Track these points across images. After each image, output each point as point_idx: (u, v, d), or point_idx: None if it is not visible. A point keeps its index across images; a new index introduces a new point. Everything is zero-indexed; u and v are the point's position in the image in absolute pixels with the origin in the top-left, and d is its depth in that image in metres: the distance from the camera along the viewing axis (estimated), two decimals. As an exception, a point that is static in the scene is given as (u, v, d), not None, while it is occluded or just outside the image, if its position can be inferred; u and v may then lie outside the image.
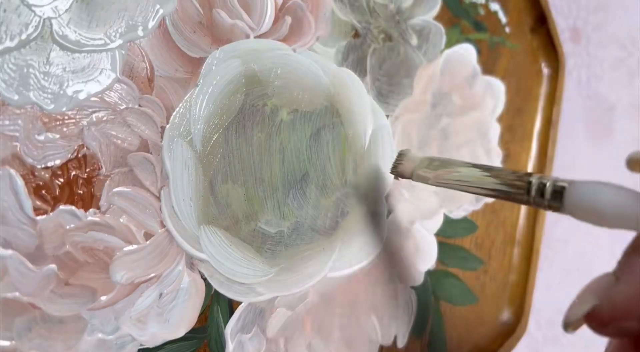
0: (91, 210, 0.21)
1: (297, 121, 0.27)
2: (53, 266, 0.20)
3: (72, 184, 0.21)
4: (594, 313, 0.18)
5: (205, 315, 0.24)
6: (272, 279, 0.26)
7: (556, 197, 0.20)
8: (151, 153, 0.23)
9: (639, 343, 0.19)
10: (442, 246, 0.34)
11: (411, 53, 0.32)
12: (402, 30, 0.32)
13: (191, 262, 0.24)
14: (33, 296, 0.20)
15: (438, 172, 0.26)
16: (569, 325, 0.19)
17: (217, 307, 0.25)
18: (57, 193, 0.20)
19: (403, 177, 0.27)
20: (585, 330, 0.19)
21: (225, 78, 0.24)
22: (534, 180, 0.21)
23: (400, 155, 0.28)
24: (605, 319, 0.18)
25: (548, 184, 0.20)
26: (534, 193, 0.21)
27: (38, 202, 0.20)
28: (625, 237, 0.19)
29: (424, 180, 0.26)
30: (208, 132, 0.24)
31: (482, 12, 0.37)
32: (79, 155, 0.21)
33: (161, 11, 0.23)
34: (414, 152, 0.28)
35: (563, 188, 0.20)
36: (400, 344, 0.31)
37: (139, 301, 0.22)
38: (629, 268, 0.18)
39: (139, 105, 0.22)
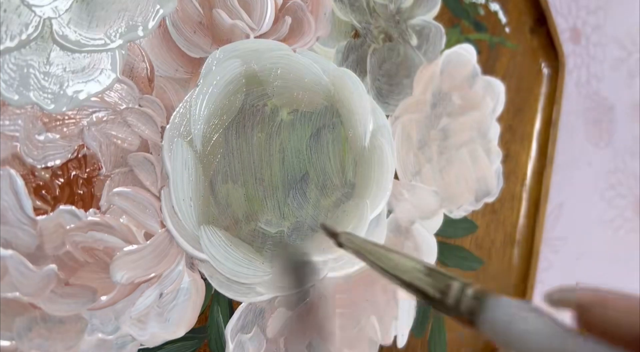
0: (91, 210, 0.21)
1: (297, 121, 0.27)
2: (53, 266, 0.20)
3: (72, 184, 0.21)
4: None
5: (205, 315, 0.24)
6: (273, 279, 0.26)
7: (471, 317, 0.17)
8: (151, 153, 0.23)
9: None
10: (442, 246, 0.34)
11: (411, 53, 0.32)
12: (402, 31, 0.32)
13: (191, 262, 0.24)
14: (33, 296, 0.20)
15: (364, 245, 0.23)
16: None
17: (217, 307, 0.25)
18: (57, 193, 0.21)
19: (330, 233, 0.25)
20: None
21: (225, 78, 0.24)
22: (452, 291, 0.18)
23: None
24: None
25: (463, 302, 0.17)
26: (450, 305, 0.18)
27: (38, 202, 0.20)
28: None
29: (348, 244, 0.23)
30: (208, 132, 0.24)
31: (482, 12, 0.37)
32: (79, 155, 0.21)
33: (161, 11, 0.23)
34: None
35: (475, 314, 0.17)
36: (400, 344, 0.31)
37: (139, 300, 0.22)
38: None
39: (139, 105, 0.22)
